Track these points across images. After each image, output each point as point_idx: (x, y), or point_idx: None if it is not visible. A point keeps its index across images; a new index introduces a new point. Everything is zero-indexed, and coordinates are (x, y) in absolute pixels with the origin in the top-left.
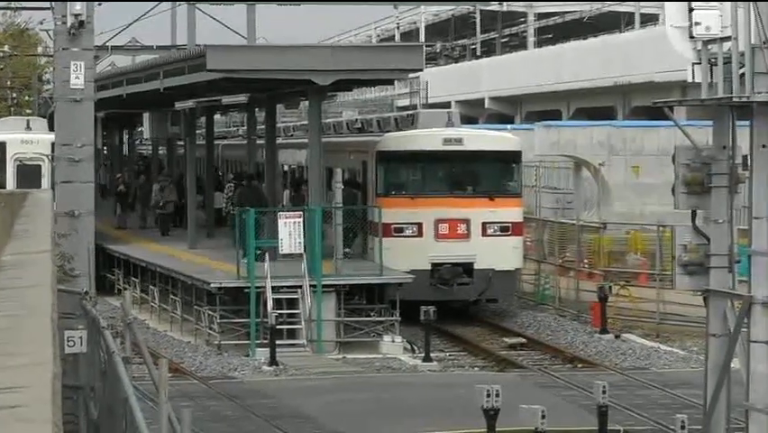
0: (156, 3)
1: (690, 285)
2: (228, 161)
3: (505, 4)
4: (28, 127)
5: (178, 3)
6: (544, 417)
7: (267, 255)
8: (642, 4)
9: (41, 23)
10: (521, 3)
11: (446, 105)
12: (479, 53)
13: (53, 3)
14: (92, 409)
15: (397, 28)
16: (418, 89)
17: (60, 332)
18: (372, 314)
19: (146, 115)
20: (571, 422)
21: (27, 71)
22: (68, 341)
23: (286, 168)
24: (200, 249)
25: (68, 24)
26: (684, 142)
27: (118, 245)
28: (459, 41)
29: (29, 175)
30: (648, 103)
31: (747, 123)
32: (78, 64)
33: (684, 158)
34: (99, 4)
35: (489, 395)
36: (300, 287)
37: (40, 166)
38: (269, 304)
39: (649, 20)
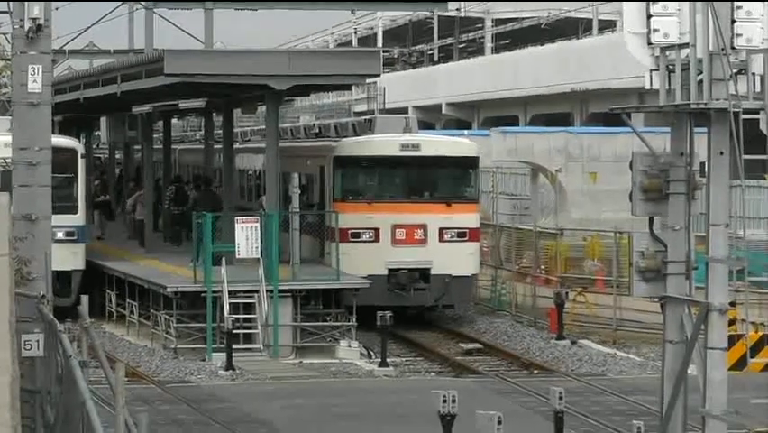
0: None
1: (647, 292)
2: (185, 165)
3: (463, 9)
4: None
5: (135, 7)
6: (500, 423)
7: (224, 260)
8: (600, 9)
9: None
10: (478, 9)
11: (403, 110)
12: (436, 59)
13: (11, 6)
14: (49, 413)
15: (355, 33)
16: (375, 95)
17: (18, 335)
18: (329, 319)
19: (103, 119)
20: (527, 428)
21: None
22: (26, 345)
23: (251, 172)
24: (157, 253)
25: (26, 28)
26: (642, 148)
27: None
28: (416, 47)
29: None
30: (605, 109)
31: (705, 129)
32: (36, 68)
33: (641, 164)
34: (57, 9)
35: (445, 401)
36: (257, 292)
37: None
38: (226, 309)
39: (607, 26)
